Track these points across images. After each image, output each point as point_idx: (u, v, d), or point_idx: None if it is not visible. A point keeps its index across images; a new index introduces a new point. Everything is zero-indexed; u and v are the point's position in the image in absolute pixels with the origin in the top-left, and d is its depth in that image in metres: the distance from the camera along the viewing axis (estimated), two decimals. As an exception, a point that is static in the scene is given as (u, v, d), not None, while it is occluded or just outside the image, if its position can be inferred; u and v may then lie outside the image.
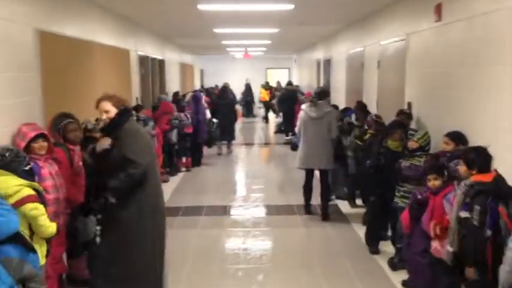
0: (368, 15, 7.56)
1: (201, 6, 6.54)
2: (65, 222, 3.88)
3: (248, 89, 20.00)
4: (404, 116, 5.33)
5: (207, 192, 7.81)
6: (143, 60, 9.40)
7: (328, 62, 11.64)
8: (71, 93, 5.38)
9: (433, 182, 3.71)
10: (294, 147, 9.87)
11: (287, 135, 13.08)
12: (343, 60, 9.51)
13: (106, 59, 6.69)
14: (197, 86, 18.55)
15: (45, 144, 3.71)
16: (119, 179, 3.49)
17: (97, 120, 5.82)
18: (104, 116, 3.63)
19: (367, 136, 6.05)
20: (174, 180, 8.57)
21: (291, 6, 6.64)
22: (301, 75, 17.86)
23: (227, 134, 11.36)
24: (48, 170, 3.66)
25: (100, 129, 5.82)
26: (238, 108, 17.84)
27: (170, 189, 7.95)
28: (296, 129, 6.40)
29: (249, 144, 13.35)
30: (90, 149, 3.84)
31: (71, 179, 4.04)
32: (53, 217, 3.48)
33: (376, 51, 7.13)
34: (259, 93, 20.13)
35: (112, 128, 3.63)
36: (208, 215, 6.54)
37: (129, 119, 3.72)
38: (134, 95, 8.22)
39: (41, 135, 3.71)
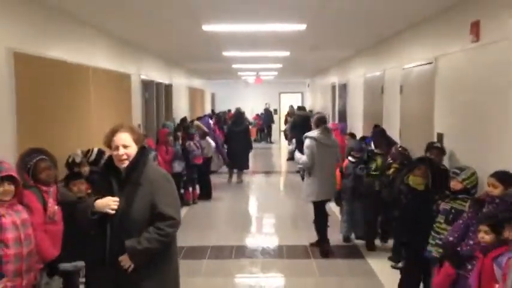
0: (389, 37, 6.94)
1: (206, 27, 6.00)
2: (33, 281, 3.22)
3: (269, 114, 19.63)
4: (436, 151, 4.63)
5: (213, 229, 7.12)
6: (147, 84, 8.89)
7: (343, 87, 11.02)
8: (53, 121, 4.81)
9: (483, 236, 2.99)
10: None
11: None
12: (361, 84, 8.88)
13: (102, 84, 6.14)
14: (208, 111, 18.08)
15: (10, 188, 3.09)
16: (152, 239, 2.69)
17: (87, 153, 5.26)
18: (122, 152, 2.74)
19: (391, 170, 5.37)
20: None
21: (302, 27, 6.06)
22: (315, 100, 17.26)
23: (239, 163, 10.74)
24: (11, 218, 3.03)
25: (90, 162, 5.31)
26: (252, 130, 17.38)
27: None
28: (306, 159, 5.71)
29: (260, 172, 12.68)
30: (85, 208, 2.79)
31: (43, 227, 3.40)
32: (12, 277, 2.84)
33: (398, 74, 6.49)
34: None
35: (132, 170, 2.75)
36: (213, 258, 5.83)
37: (148, 160, 2.92)
38: (136, 122, 7.66)
39: (7, 177, 3.10)
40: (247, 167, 11.08)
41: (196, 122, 9.80)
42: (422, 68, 5.56)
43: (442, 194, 3.89)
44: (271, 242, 6.50)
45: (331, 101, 12.93)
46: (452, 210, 3.68)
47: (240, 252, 6.08)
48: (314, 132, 5.71)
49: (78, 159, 4.87)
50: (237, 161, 10.67)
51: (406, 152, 5.52)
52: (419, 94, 5.64)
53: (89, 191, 4.93)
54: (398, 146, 5.66)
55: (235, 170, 10.90)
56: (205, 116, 14.58)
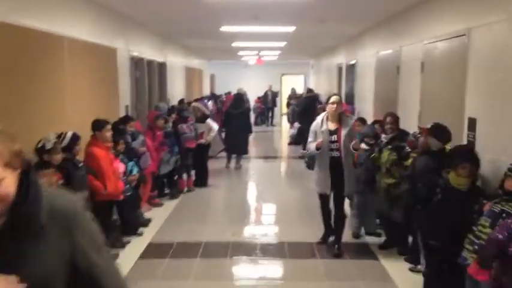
0: (407, 8, 6.12)
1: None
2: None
3: (273, 96, 18.96)
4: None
5: (207, 222, 6.42)
6: (138, 62, 8.10)
7: (351, 67, 10.22)
8: (21, 99, 4.06)
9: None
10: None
11: (304, 148, 11.67)
12: (372, 64, 8.09)
13: (80, 58, 5.36)
14: (207, 93, 17.29)
15: None
16: None
17: (60, 136, 4.54)
18: None
19: (410, 161, 4.63)
20: (170, 205, 7.20)
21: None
22: (319, 83, 16.40)
23: (238, 147, 10.03)
24: None
25: (63, 148, 4.52)
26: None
27: (163, 216, 6.59)
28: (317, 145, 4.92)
29: (260, 157, 11.96)
30: None
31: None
32: None
33: (418, 51, 5.71)
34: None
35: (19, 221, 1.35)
36: (206, 257, 5.14)
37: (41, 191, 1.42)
38: (123, 103, 6.90)
39: None
40: (246, 152, 10.38)
41: (195, 104, 9.04)
42: (450, 43, 4.78)
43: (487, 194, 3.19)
44: (272, 238, 5.80)
45: (337, 84, 12.13)
46: (503, 214, 2.97)
47: (237, 250, 5.38)
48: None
49: (48, 146, 4.14)
50: (236, 145, 9.98)
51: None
52: (447, 73, 4.87)
53: (61, 181, 4.27)
54: (417, 132, 4.90)
55: (233, 155, 10.22)
56: (203, 98, 13.85)
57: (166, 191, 7.65)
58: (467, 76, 4.34)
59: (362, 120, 6.96)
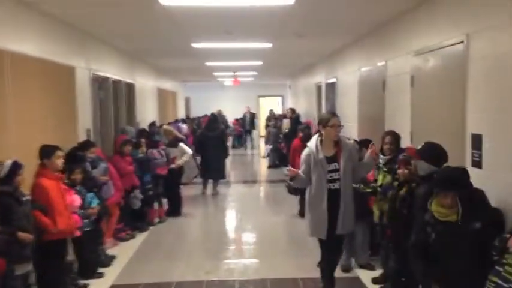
0: (394, 17, 5.67)
1: (165, 1, 4.62)
2: None
3: (251, 118, 18.43)
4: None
5: (179, 258, 5.69)
6: (102, 82, 7.45)
7: (331, 86, 9.76)
8: None
9: None
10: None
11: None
12: (354, 81, 7.62)
13: (26, 76, 4.67)
14: (182, 116, 16.67)
15: None
16: None
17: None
18: None
19: (404, 190, 4.00)
20: (137, 239, 6.47)
21: (290, 1, 4.75)
22: (297, 104, 15.93)
23: (214, 172, 9.37)
24: None
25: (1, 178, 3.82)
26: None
27: (129, 252, 5.86)
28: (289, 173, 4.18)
29: (238, 182, 11.31)
30: None
31: None
32: None
33: (406, 64, 5.23)
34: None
35: None
36: (176, 303, 4.45)
37: None
38: (83, 127, 6.21)
39: None
40: (223, 177, 9.73)
41: (166, 126, 8.40)
42: (445, 52, 4.30)
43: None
44: (253, 274, 5.12)
45: (316, 104, 11.65)
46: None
47: (212, 291, 4.70)
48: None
49: None
50: (212, 170, 9.32)
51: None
52: (442, 86, 4.38)
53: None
54: (407, 149, 4.31)
55: (210, 180, 9.55)
56: (177, 121, 13.22)
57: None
58: (468, 88, 3.84)
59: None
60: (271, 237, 6.51)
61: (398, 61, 5.58)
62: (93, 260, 5.11)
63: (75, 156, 5.56)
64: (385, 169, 4.38)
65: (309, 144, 4.12)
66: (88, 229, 4.93)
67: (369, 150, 4.08)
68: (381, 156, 4.50)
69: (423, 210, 3.20)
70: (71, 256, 4.79)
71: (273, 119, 14.92)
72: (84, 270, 5.01)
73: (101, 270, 5.16)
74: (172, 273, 5.13)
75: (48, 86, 5.22)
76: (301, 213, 7.56)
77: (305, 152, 4.09)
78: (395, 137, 4.53)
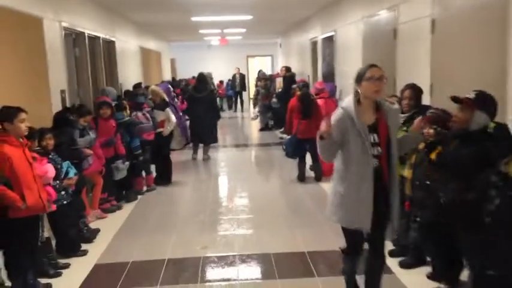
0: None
1: None
2: None
3: (241, 79, 17.63)
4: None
5: (171, 231, 5.13)
6: (77, 38, 6.67)
7: (329, 40, 9.05)
8: None
9: None
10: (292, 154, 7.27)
11: (284, 132, 10.63)
12: (357, 32, 6.93)
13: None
14: (167, 78, 15.82)
15: None
16: None
17: None
18: None
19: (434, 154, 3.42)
20: (124, 210, 5.89)
21: None
22: (289, 63, 15.14)
23: (205, 136, 8.78)
24: None
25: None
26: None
27: (115, 225, 5.29)
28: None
29: (230, 146, 10.71)
30: None
31: None
32: None
33: (424, 6, 4.57)
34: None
35: None
36: (170, 283, 3.90)
37: None
38: (56, 88, 5.48)
39: None
40: (215, 140, 9.11)
41: (153, 87, 7.66)
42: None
43: None
44: (253, 248, 4.59)
45: (310, 62, 10.93)
46: None
47: (209, 269, 4.16)
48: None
49: None
50: (202, 133, 8.72)
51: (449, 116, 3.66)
52: (475, 28, 3.74)
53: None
54: (435, 111, 3.74)
55: (200, 145, 8.94)
56: (163, 82, 12.42)
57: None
58: (510, 31, 3.21)
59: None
60: (271, 206, 5.97)
61: (413, 4, 4.90)
62: (74, 236, 4.52)
63: (65, 120, 4.94)
64: (404, 128, 3.78)
65: (343, 104, 2.98)
66: (65, 202, 4.33)
67: (416, 121, 3.07)
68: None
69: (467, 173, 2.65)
70: (48, 233, 4.21)
71: (263, 80, 14.20)
72: (63, 247, 4.44)
73: (83, 246, 4.60)
74: (165, 249, 4.58)
75: (10, 38, 4.47)
76: (300, 178, 7.07)
77: (338, 114, 2.93)
78: (416, 91, 3.91)
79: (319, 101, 6.95)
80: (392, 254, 4.16)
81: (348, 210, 2.92)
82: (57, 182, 4.28)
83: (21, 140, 3.55)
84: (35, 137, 4.14)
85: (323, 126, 2.79)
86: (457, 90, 3.96)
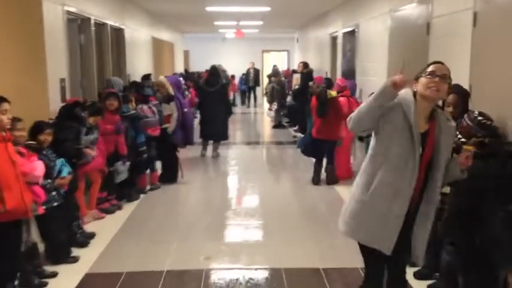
0: None
1: None
2: None
3: (255, 74, 17.22)
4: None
5: (172, 237, 4.68)
6: (83, 23, 6.25)
7: (350, 36, 8.51)
8: None
9: None
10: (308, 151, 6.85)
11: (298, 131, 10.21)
12: (383, 27, 6.40)
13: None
14: (180, 70, 15.42)
15: None
16: None
17: None
18: None
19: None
20: (124, 211, 5.47)
21: None
22: (305, 59, 14.58)
23: (215, 132, 8.37)
24: None
25: None
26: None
27: (113, 228, 4.86)
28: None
29: (242, 143, 10.25)
30: None
31: None
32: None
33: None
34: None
35: None
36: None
37: None
38: (55, 76, 5.06)
39: None
40: (225, 137, 8.68)
41: (160, 78, 7.19)
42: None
43: None
44: (262, 260, 4.13)
45: (330, 58, 10.37)
46: None
47: (212, 284, 3.71)
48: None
49: None
50: (212, 129, 8.31)
51: (490, 122, 3.18)
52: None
53: None
54: (474, 112, 3.27)
55: (210, 141, 8.51)
56: (175, 74, 11.98)
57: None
58: None
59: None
60: (283, 211, 5.49)
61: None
62: (64, 241, 4.10)
63: (74, 116, 4.57)
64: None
65: (405, 95, 2.36)
66: (56, 204, 3.91)
67: (463, 156, 2.47)
68: None
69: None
70: (35, 237, 3.80)
71: (277, 76, 13.68)
72: (53, 253, 4.02)
73: (77, 252, 4.20)
74: (164, 258, 4.14)
75: (2, 14, 4.04)
76: (315, 181, 6.60)
77: (395, 103, 2.32)
78: (462, 96, 3.37)
79: (341, 99, 6.49)
80: (419, 276, 3.69)
81: (370, 225, 2.41)
82: (49, 181, 3.87)
83: (3, 133, 3.12)
84: (34, 131, 3.85)
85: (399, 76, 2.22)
86: (501, 89, 3.46)
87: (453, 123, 2.50)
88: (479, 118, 3.18)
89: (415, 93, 2.38)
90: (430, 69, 2.36)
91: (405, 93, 2.37)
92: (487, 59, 3.75)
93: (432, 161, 2.38)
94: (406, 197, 2.35)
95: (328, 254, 4.19)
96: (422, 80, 2.35)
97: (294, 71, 12.58)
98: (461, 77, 4.04)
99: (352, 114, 2.36)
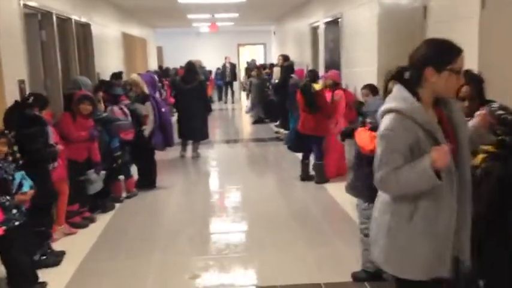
0: None
1: None
2: None
3: (232, 69, 16.72)
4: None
5: (152, 251, 4.18)
6: (44, 19, 5.67)
7: (333, 25, 8.11)
8: None
9: None
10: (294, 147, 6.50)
11: (280, 127, 9.78)
12: (371, 14, 6.02)
13: None
14: (153, 67, 14.81)
15: None
16: None
17: None
18: None
19: (479, 158, 2.57)
20: (99, 223, 4.95)
21: None
22: (284, 52, 14.10)
23: (194, 131, 7.91)
24: None
25: None
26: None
27: (85, 245, 4.35)
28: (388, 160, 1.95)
29: (221, 141, 9.77)
30: None
31: None
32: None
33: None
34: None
35: None
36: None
37: None
38: (12, 77, 4.48)
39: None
40: (205, 136, 8.21)
41: (133, 76, 6.66)
42: None
43: None
44: (255, 278, 3.69)
45: (310, 51, 9.97)
46: None
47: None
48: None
49: None
50: (191, 128, 7.84)
51: (509, 115, 2.80)
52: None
53: None
54: (496, 105, 2.88)
55: (189, 141, 8.04)
56: (148, 71, 11.39)
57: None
58: None
59: (372, 89, 4.93)
60: (273, 216, 5.04)
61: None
62: (27, 266, 3.57)
63: (33, 119, 4.01)
64: None
65: (397, 105, 1.95)
66: (18, 223, 3.39)
67: (477, 116, 2.29)
68: None
69: None
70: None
71: (256, 69, 13.22)
72: (15, 282, 3.50)
73: (46, 275, 3.68)
74: (144, 279, 3.67)
75: None
76: (303, 178, 6.23)
77: (396, 121, 1.93)
78: (477, 84, 2.99)
79: (339, 92, 6.18)
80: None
81: (420, 255, 1.97)
82: (7, 198, 3.35)
83: None
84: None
85: (443, 156, 1.86)
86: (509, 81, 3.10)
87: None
88: (500, 112, 2.78)
89: (413, 92, 1.97)
90: (458, 64, 1.93)
91: (400, 98, 1.97)
92: (499, 44, 3.39)
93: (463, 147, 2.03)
94: (451, 206, 1.96)
95: (328, 266, 3.77)
96: (447, 75, 1.92)
97: (272, 65, 12.14)
98: (468, 65, 3.67)
99: (384, 176, 1.94)
